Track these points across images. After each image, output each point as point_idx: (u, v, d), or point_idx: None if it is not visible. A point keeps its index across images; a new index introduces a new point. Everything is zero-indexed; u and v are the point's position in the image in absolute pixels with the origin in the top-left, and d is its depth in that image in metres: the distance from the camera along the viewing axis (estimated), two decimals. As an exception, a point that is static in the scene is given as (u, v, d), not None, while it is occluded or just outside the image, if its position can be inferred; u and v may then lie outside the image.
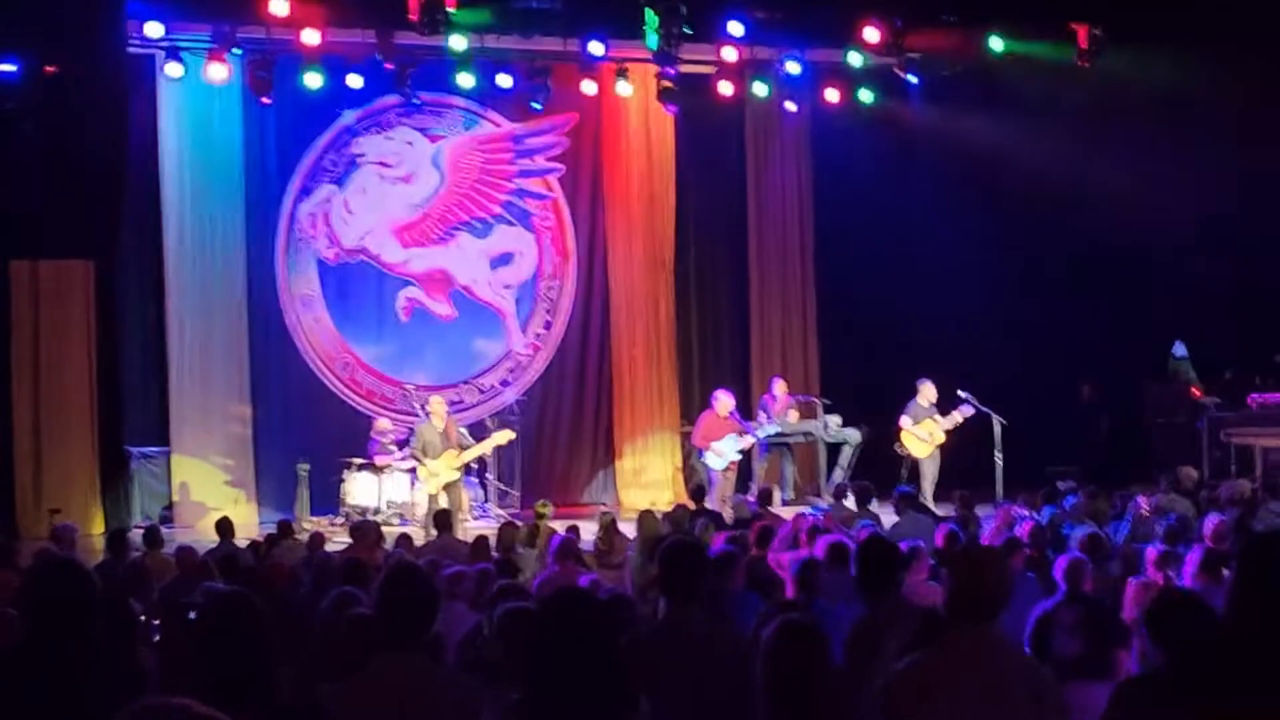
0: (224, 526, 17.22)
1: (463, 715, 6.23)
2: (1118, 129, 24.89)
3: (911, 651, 6.55)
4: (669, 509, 19.14)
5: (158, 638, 10.21)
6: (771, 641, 6.04)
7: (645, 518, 16.77)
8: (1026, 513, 16.88)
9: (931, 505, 20.81)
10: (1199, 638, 6.57)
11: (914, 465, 23.43)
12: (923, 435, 23.28)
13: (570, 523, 17.98)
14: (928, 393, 23.42)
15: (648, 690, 6.23)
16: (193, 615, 6.93)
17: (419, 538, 18.77)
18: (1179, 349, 26.17)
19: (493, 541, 15.91)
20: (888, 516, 17.99)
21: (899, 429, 23.45)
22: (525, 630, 7.21)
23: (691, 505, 18.84)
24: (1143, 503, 17.04)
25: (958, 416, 23.05)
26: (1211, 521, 13.81)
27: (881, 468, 22.88)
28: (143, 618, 10.49)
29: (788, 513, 18.47)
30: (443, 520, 17.69)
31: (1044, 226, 25.67)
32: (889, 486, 19.62)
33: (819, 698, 5.96)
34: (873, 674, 6.72)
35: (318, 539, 16.87)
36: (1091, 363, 26.28)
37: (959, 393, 23.13)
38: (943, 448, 23.30)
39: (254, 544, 17.10)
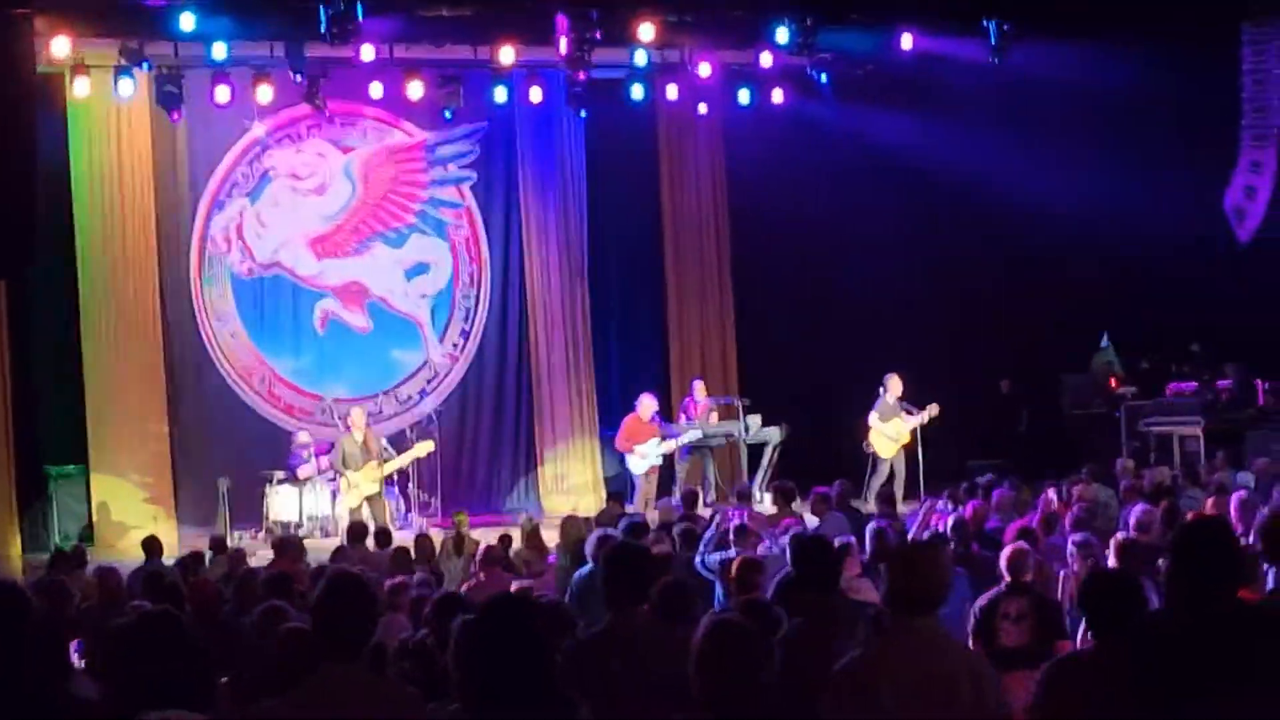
0: (151, 545, 17.06)
1: (406, 724, 6.19)
2: (1031, 124, 25.00)
3: (850, 647, 6.57)
4: (592, 514, 19.08)
5: (81, 660, 10.09)
6: (703, 641, 6.02)
7: (569, 522, 16.71)
8: (949, 507, 16.96)
9: (900, 505, 20.79)
10: (1130, 619, 6.63)
11: (874, 463, 23.50)
12: (890, 434, 23.36)
13: (501, 531, 17.93)
14: (895, 387, 23.49)
15: (595, 694, 6.21)
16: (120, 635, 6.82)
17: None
18: (1104, 340, 26.36)
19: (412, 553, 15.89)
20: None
21: (866, 427, 23.52)
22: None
23: (618, 507, 18.84)
24: (1053, 495, 17.13)
25: (931, 410, 23.10)
26: (1136, 511, 13.89)
27: (818, 466, 22.80)
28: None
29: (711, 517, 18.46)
30: (357, 532, 17.64)
31: (960, 223, 25.81)
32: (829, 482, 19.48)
33: (752, 696, 5.93)
34: (817, 672, 6.72)
35: (238, 555, 16.76)
36: (1011, 357, 26.42)
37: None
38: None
39: (181, 561, 16.96)
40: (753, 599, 9.77)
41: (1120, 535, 12.17)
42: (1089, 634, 7.10)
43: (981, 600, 10.63)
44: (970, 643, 10.35)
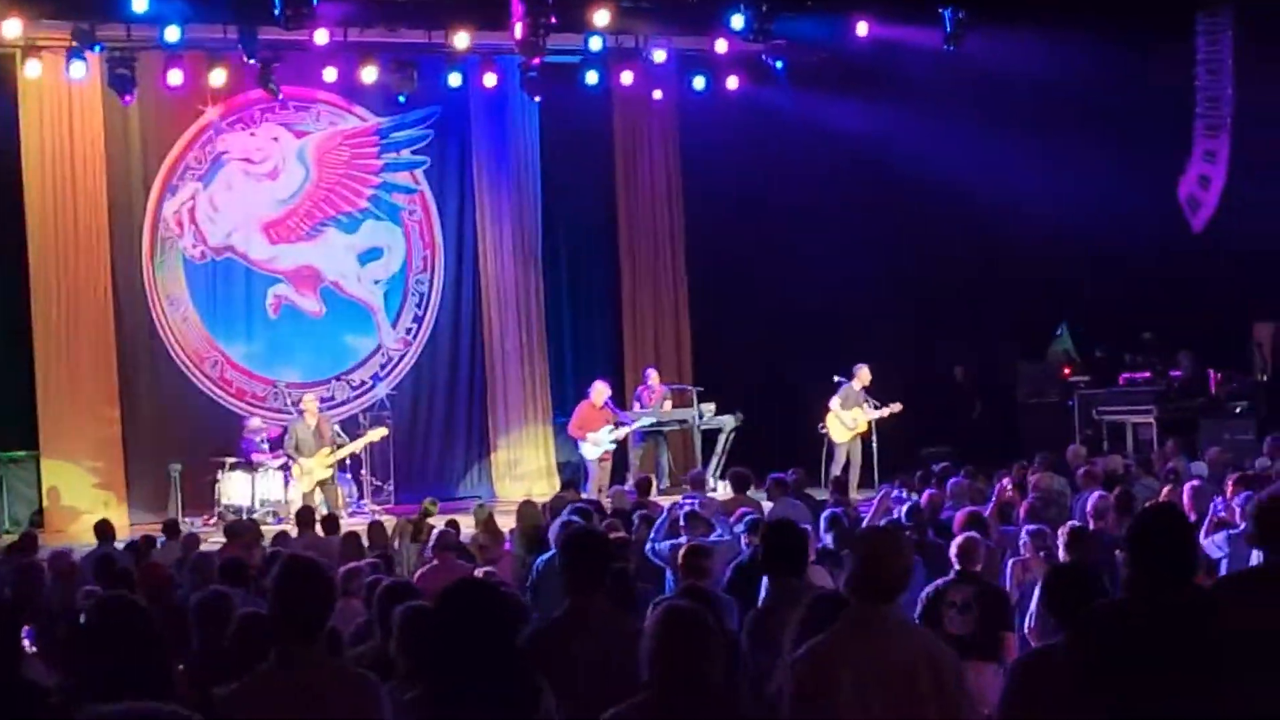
0: (103, 529, 16.97)
1: (363, 710, 6.15)
2: (986, 113, 25.02)
3: (810, 634, 6.55)
4: (546, 500, 19.03)
5: (33, 645, 10.03)
6: (654, 627, 6.01)
7: (525, 508, 16.63)
8: (904, 495, 16.98)
9: (853, 492, 20.83)
10: (1092, 611, 6.64)
11: (830, 449, 23.56)
12: (847, 421, 23.44)
13: (449, 517, 17.86)
14: (863, 377, 23.58)
15: (553, 679, 6.19)
16: (81, 620, 6.77)
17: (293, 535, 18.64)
18: (1060, 329, 26.45)
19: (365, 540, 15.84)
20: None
21: (826, 409, 23.55)
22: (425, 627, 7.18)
23: (573, 494, 18.81)
24: (1007, 483, 17.17)
25: (894, 408, 23.15)
26: (1091, 498, 13.92)
27: (772, 453, 22.79)
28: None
29: (665, 501, 18.43)
30: (305, 517, 17.58)
31: (916, 211, 25.79)
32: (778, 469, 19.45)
33: (701, 681, 5.93)
34: (778, 656, 6.72)
35: (191, 540, 16.68)
36: (966, 345, 26.48)
37: None
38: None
39: (132, 546, 16.87)
40: (696, 586, 9.76)
41: (1072, 524, 12.18)
42: (1037, 625, 7.10)
43: (929, 588, 10.65)
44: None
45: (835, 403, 23.49)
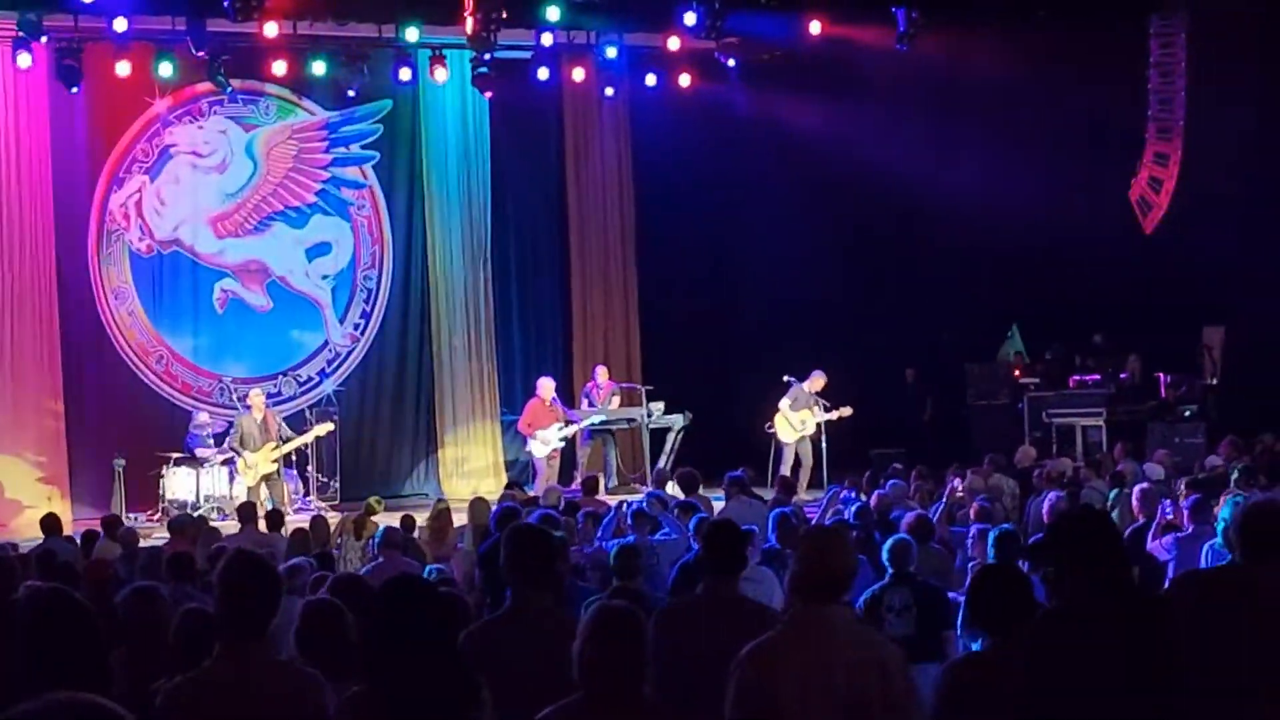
0: (50, 523, 16.88)
1: (306, 707, 6.08)
2: (939, 113, 25.10)
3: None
4: (494, 498, 18.95)
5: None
6: (587, 627, 5.94)
7: (477, 505, 16.57)
8: (853, 495, 16.97)
9: (803, 492, 20.82)
10: (1018, 614, 6.64)
11: (778, 448, 23.54)
12: (795, 423, 23.41)
13: (401, 514, 17.76)
14: (816, 383, 23.57)
15: (495, 678, 6.12)
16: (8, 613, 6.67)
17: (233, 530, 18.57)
18: (1012, 331, 26.50)
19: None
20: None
21: (776, 409, 23.48)
22: (328, 622, 7.09)
23: (520, 494, 18.73)
24: (957, 484, 17.19)
25: (844, 412, 23.13)
26: (1048, 500, 13.95)
27: (720, 452, 22.74)
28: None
29: (612, 501, 18.40)
30: (247, 513, 17.51)
31: (866, 211, 25.84)
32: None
33: (632, 680, 5.86)
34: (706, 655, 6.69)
35: (130, 535, 16.54)
36: (915, 346, 26.49)
37: None
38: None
39: (76, 539, 16.75)
40: (627, 586, 9.69)
41: (1001, 528, 12.11)
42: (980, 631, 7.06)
43: (866, 592, 10.62)
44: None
45: (785, 403, 23.46)
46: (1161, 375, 24.46)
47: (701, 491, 18.07)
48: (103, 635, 5.87)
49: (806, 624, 6.34)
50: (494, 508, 15.21)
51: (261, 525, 17.48)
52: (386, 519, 16.71)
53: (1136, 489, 14.87)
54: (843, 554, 6.56)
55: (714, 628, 7.48)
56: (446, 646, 5.85)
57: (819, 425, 23.41)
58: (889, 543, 11.08)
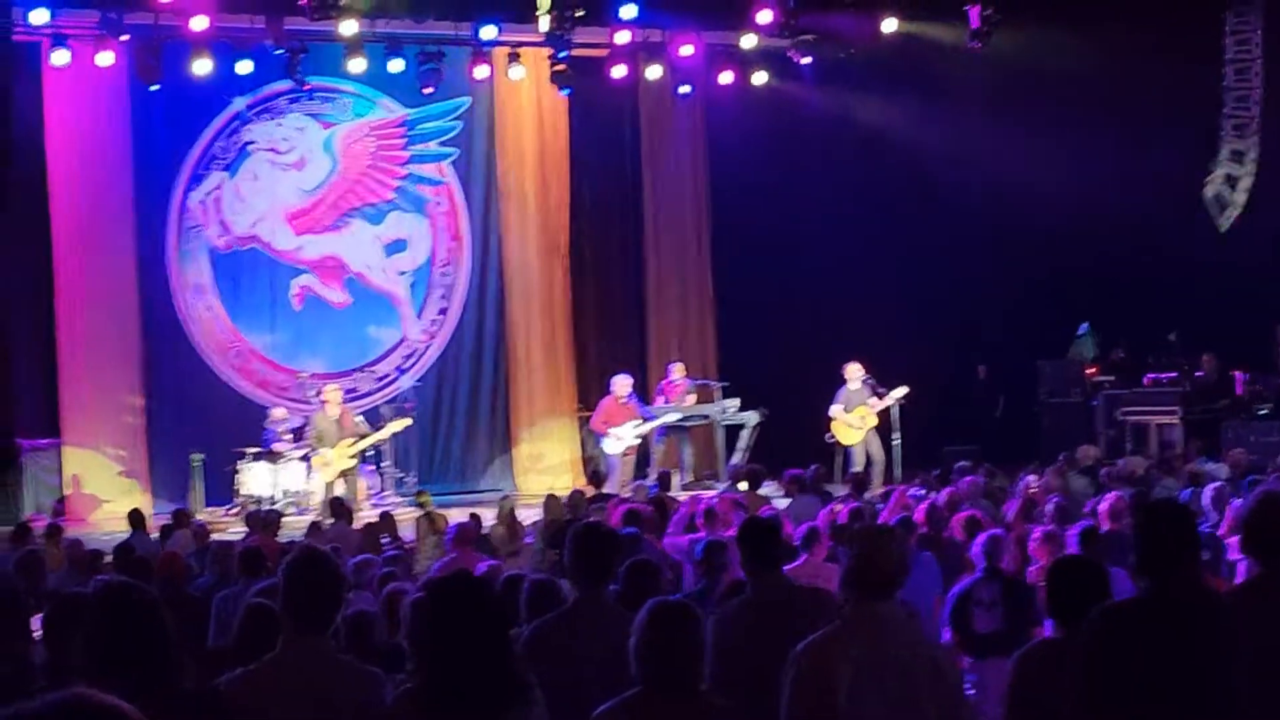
0: (135, 518, 17.05)
1: (365, 704, 6.14)
2: (1012, 111, 25.01)
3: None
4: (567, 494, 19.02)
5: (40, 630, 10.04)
6: (643, 623, 5.99)
7: (551, 502, 16.65)
8: (923, 493, 16.93)
9: (877, 489, 20.72)
10: (1093, 605, 6.62)
11: (848, 453, 23.43)
12: (854, 422, 23.23)
13: (476, 510, 17.85)
14: (853, 374, 23.33)
15: (556, 674, 6.18)
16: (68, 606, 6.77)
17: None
18: (1082, 328, 26.37)
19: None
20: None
21: (829, 419, 23.39)
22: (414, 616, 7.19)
23: (590, 490, 18.79)
24: (1031, 481, 17.12)
25: (899, 393, 22.98)
26: (1108, 499, 13.87)
27: (795, 449, 22.74)
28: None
29: (685, 497, 18.42)
30: (338, 508, 17.57)
31: (941, 207, 25.76)
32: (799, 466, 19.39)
33: (692, 679, 5.92)
34: (758, 653, 6.71)
35: (202, 531, 16.69)
36: (987, 343, 26.42)
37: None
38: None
39: (160, 533, 16.95)
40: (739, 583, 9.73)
41: (1083, 525, 12.10)
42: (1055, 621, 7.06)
43: (957, 587, 10.60)
44: (944, 629, 10.34)
45: (836, 409, 23.30)
46: (1237, 373, 24.30)
47: (764, 490, 18.11)
48: (172, 629, 5.97)
49: (860, 620, 6.38)
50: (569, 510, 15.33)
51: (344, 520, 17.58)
52: (456, 515, 16.78)
53: (1208, 488, 14.82)
54: (891, 552, 6.57)
55: (759, 623, 7.53)
56: (497, 643, 5.90)
57: (882, 415, 23.24)
58: (981, 536, 11.05)
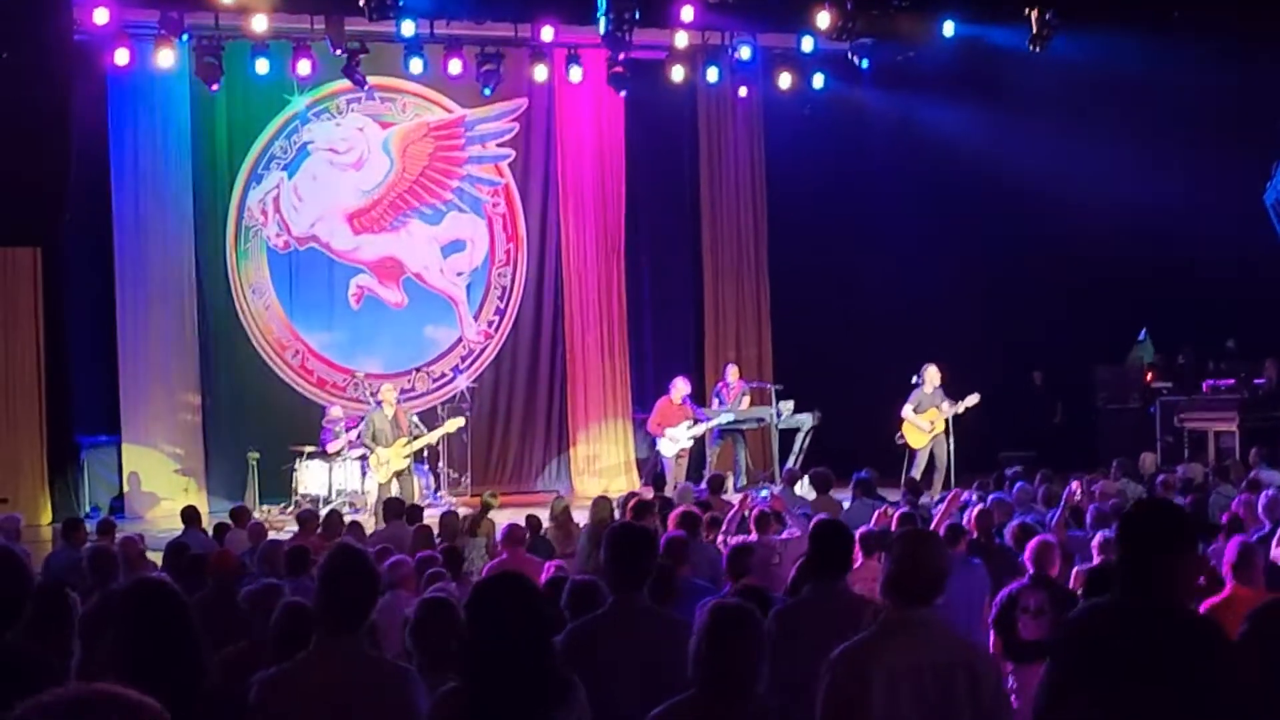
0: (190, 515, 17.09)
1: (395, 703, 6.14)
2: (1072, 115, 24.93)
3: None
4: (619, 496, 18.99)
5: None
6: (704, 626, 5.98)
7: (599, 504, 16.58)
8: (974, 498, 16.85)
9: (936, 494, 20.61)
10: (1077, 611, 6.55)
11: (912, 455, 23.32)
12: (923, 425, 23.06)
13: (531, 510, 17.83)
14: (932, 378, 23.10)
15: (593, 676, 6.17)
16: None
17: (370, 526, 18.74)
18: (1142, 334, 26.24)
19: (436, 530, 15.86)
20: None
21: (900, 420, 23.30)
22: (442, 620, 7.20)
23: (648, 493, 18.75)
24: (1075, 488, 17.01)
25: (970, 401, 22.84)
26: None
27: (850, 452, 22.65)
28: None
29: (738, 499, 18.35)
30: (393, 508, 17.58)
31: (999, 212, 25.69)
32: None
33: (750, 683, 5.90)
34: (807, 657, 6.67)
35: (258, 529, 16.71)
36: (1044, 348, 26.32)
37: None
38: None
39: (214, 531, 16.99)
40: (750, 585, 9.71)
41: (1104, 533, 12.02)
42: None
43: (1003, 592, 10.55)
44: (990, 634, 10.29)
45: (908, 409, 23.14)
46: (1299, 380, 24.17)
47: (833, 493, 18.05)
48: (199, 627, 5.99)
49: (898, 626, 6.32)
50: (620, 512, 15.30)
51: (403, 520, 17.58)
52: (514, 515, 16.76)
53: (1263, 495, 14.67)
54: (936, 557, 6.50)
55: (816, 628, 7.50)
56: (540, 645, 5.90)
57: (948, 421, 23.13)
58: (1032, 543, 10.97)
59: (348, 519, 18.88)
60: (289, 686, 6.15)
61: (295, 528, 17.46)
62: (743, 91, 25.97)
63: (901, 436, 23.37)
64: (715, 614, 6.02)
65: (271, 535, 16.49)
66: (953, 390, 23.02)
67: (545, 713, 5.72)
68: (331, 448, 22.96)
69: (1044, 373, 26.77)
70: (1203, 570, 8.22)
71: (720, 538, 14.20)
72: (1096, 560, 11.99)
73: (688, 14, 23.34)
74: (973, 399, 22.78)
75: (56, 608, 7.13)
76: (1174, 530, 5.91)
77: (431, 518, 17.79)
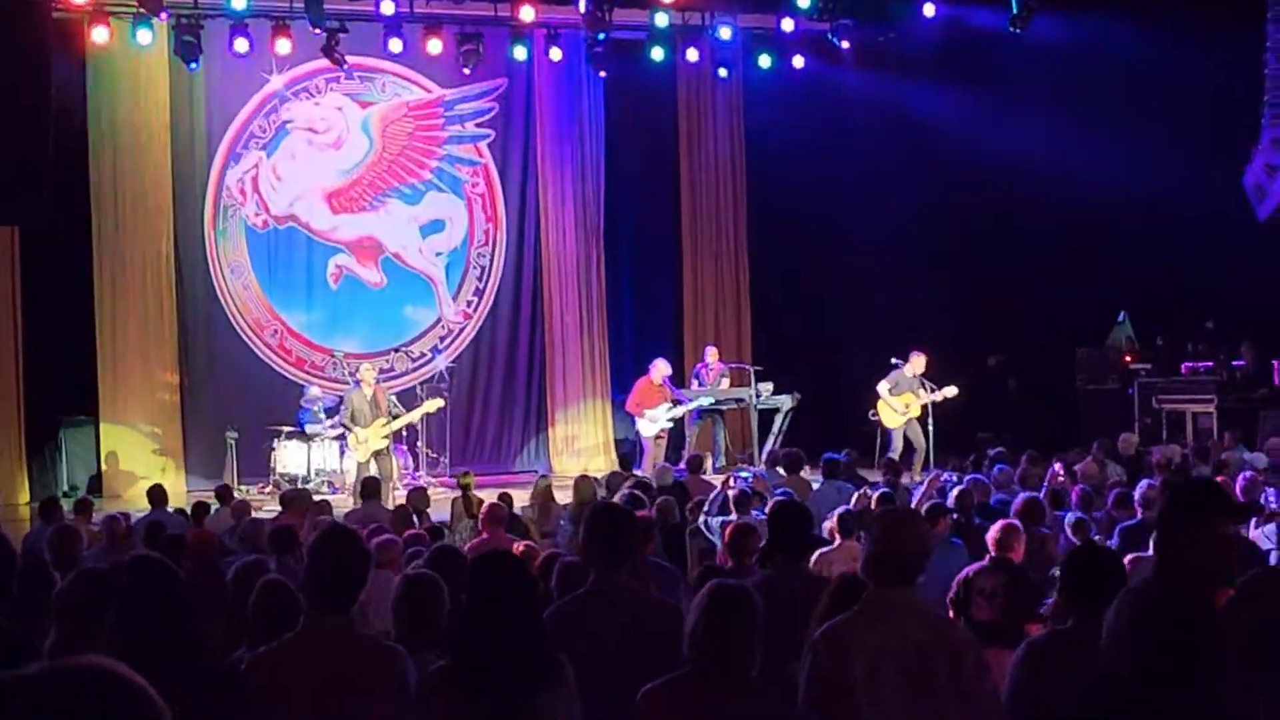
0: (156, 495, 17.09)
1: (385, 681, 6.16)
2: (1051, 96, 24.96)
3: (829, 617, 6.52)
4: (603, 476, 19.01)
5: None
6: (702, 604, 5.98)
7: (582, 482, 16.57)
8: (954, 478, 16.90)
9: (916, 476, 20.70)
10: (1109, 595, 6.54)
11: (885, 434, 23.37)
12: (897, 407, 23.10)
13: (512, 490, 17.86)
14: (916, 364, 23.13)
15: (574, 655, 6.18)
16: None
17: (347, 505, 18.76)
18: (1121, 316, 26.27)
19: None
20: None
21: (876, 396, 23.34)
22: (427, 596, 7.21)
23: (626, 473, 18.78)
24: (1058, 469, 17.08)
25: (948, 392, 22.86)
26: (1141, 487, 13.82)
27: (828, 433, 22.72)
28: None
29: (719, 480, 18.38)
30: (370, 488, 17.58)
31: (978, 193, 25.68)
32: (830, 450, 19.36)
33: (746, 662, 5.91)
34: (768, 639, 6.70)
35: (241, 507, 16.71)
36: (1024, 329, 26.32)
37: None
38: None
39: (180, 512, 16.98)
40: (711, 566, 9.75)
41: (1076, 515, 12.08)
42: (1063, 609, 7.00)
43: (962, 573, 10.59)
44: (949, 613, 10.33)
45: (884, 388, 23.17)
46: (1276, 362, 24.16)
47: (805, 473, 18.09)
48: (194, 606, 5.99)
49: (878, 606, 6.34)
50: (603, 492, 15.33)
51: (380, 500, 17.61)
52: (489, 496, 16.75)
53: (1240, 477, 14.72)
54: (915, 537, 6.52)
55: (776, 609, 7.51)
56: (530, 624, 5.91)
57: (924, 408, 23.17)
58: (994, 527, 11.02)
59: (326, 498, 18.92)
60: (280, 665, 6.16)
61: (276, 507, 17.45)
62: (723, 72, 25.94)
63: (875, 413, 23.40)
64: (715, 593, 6.02)
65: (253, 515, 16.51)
66: (932, 375, 23.05)
67: (534, 693, 5.73)
68: (310, 430, 22.96)
69: (998, 357, 26.69)
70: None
71: (703, 518, 14.23)
72: (1074, 541, 12.06)
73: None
74: (950, 390, 22.81)
75: (39, 588, 7.11)
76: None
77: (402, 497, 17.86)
